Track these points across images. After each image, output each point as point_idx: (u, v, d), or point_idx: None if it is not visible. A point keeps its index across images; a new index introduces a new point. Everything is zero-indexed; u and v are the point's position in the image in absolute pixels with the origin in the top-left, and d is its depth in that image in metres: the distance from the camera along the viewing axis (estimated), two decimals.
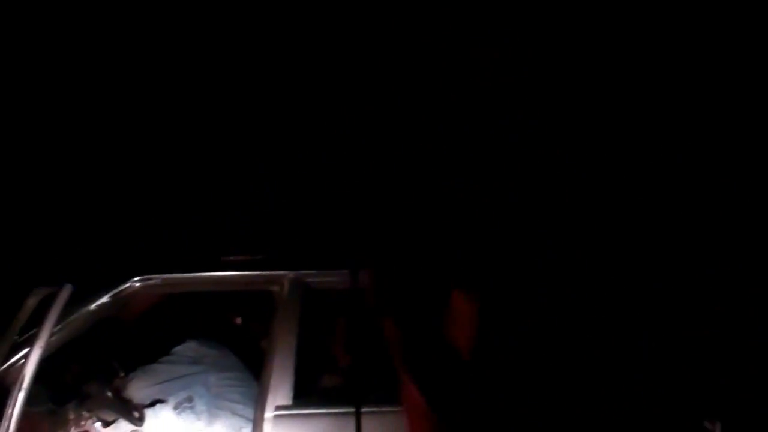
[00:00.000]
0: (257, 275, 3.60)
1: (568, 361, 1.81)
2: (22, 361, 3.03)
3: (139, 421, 3.79)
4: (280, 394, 3.24)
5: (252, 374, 3.80)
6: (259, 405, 3.26)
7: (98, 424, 3.80)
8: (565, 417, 1.80)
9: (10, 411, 2.87)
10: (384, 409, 3.19)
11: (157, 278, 3.54)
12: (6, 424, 2.87)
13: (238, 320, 4.13)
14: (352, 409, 2.94)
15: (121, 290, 3.50)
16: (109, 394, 3.62)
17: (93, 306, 3.43)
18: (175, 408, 3.83)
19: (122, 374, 3.77)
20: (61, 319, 3.16)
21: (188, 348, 3.82)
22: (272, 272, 3.57)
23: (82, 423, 3.67)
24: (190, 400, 3.80)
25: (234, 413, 3.76)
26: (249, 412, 3.65)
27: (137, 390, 3.73)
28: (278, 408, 3.21)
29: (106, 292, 3.47)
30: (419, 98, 5.86)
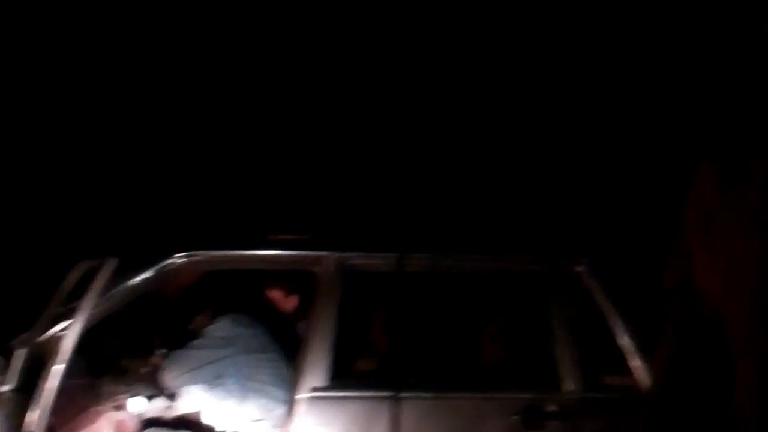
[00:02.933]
0: (301, 255, 3.55)
1: None
2: (64, 332, 3.03)
3: (173, 397, 3.78)
4: (316, 375, 3.20)
5: (285, 355, 3.74)
6: (294, 385, 3.22)
7: (133, 399, 3.81)
8: None
9: (46, 382, 2.88)
10: (422, 395, 3.15)
11: (201, 255, 3.50)
12: (43, 394, 2.87)
13: (277, 299, 4.07)
14: (390, 394, 2.88)
15: (165, 265, 3.46)
16: (147, 369, 3.62)
17: (136, 280, 3.41)
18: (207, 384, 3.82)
19: (162, 350, 3.75)
20: (104, 292, 3.16)
21: (220, 328, 3.72)
22: (316, 252, 3.51)
23: (118, 397, 3.67)
24: (221, 377, 3.77)
25: (264, 394, 3.71)
26: (280, 393, 3.60)
27: (169, 379, 3.68)
28: (314, 389, 3.17)
29: (150, 267, 3.45)
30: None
